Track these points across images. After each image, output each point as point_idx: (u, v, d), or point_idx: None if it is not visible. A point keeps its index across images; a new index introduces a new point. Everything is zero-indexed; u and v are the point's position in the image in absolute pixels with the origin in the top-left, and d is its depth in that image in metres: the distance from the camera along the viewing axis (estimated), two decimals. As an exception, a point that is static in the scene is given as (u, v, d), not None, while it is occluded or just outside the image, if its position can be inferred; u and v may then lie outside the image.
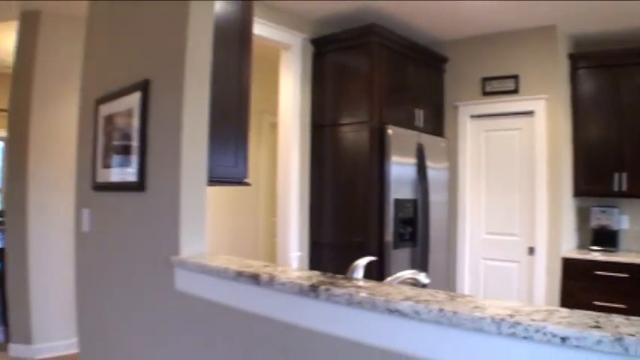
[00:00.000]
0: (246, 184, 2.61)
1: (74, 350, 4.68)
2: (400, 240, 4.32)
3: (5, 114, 8.09)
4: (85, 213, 2.98)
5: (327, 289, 1.55)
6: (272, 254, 5.44)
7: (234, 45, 2.60)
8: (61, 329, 4.72)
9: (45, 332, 4.67)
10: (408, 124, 4.64)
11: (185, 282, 2.15)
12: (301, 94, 4.62)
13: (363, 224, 4.22)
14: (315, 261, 4.48)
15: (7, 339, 4.72)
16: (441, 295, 1.45)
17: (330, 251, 4.46)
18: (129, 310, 2.59)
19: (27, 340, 4.60)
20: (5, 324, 5.49)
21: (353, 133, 4.37)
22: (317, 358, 1.61)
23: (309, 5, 4.45)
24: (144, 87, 2.43)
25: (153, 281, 2.36)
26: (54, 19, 4.78)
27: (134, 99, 2.50)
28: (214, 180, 2.39)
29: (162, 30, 2.45)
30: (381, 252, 4.16)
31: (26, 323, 4.61)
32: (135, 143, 2.47)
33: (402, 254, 4.37)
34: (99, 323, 2.92)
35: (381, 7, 4.46)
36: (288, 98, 4.57)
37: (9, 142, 4.73)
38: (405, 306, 1.35)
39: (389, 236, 4.18)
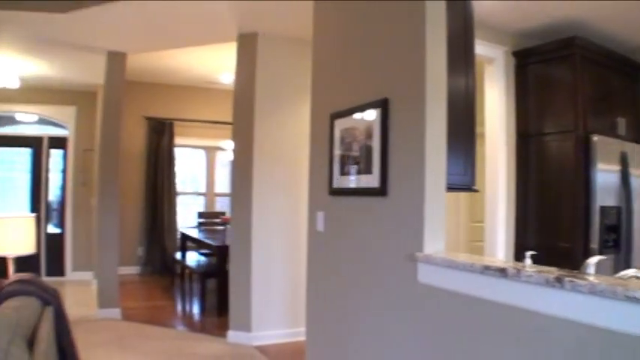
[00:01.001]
0: (475, 190, 2.93)
1: (288, 339, 5.28)
2: (604, 247, 4.42)
3: (224, 126, 9.22)
4: (320, 215, 3.47)
5: (571, 281, 1.82)
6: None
7: (459, 58, 2.92)
8: (276, 320, 5.35)
9: (262, 322, 5.31)
10: (611, 132, 4.72)
11: (429, 275, 2.51)
12: (506, 106, 4.89)
13: (569, 231, 4.39)
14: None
15: (226, 327, 5.41)
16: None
17: (534, 256, 4.66)
18: (365, 302, 3.02)
19: (246, 328, 5.26)
20: (219, 314, 6.25)
21: (557, 142, 4.57)
22: (559, 342, 1.88)
23: (510, 19, 4.68)
24: (383, 104, 2.84)
25: (393, 275, 2.75)
26: (270, 40, 5.42)
27: (373, 115, 2.91)
28: (448, 187, 2.72)
29: (397, 52, 2.84)
30: (586, 258, 4.27)
31: (246, 313, 5.28)
32: (375, 154, 2.88)
33: (606, 260, 4.46)
34: (330, 314, 3.39)
35: (580, 17, 4.58)
36: (493, 109, 4.87)
37: (236, 151, 5.46)
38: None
39: (594, 243, 4.31)
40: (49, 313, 3.01)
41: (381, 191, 2.83)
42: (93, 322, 6.00)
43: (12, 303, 2.80)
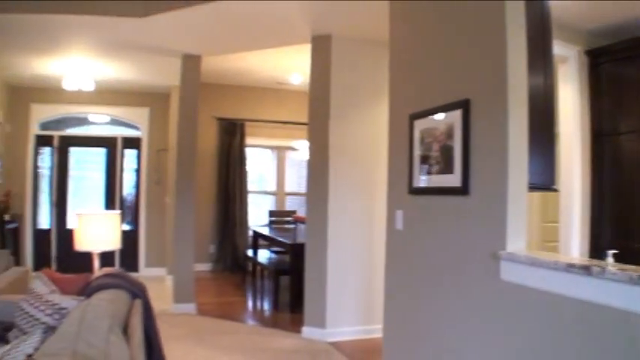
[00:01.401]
0: (554, 190, 2.99)
1: (362, 336, 5.41)
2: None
3: (294, 126, 9.46)
4: (399, 214, 3.58)
5: (657, 279, 1.89)
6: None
7: (538, 57, 2.97)
8: (350, 316, 5.50)
9: (336, 318, 5.46)
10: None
11: (512, 273, 2.59)
12: (580, 105, 4.90)
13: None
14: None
15: (299, 323, 5.57)
16: None
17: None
18: (444, 299, 3.12)
19: (321, 324, 5.41)
20: (292, 311, 6.42)
21: (633, 142, 4.54)
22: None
23: (583, 18, 4.68)
24: (464, 105, 2.93)
25: (475, 273, 2.84)
26: (343, 42, 5.56)
27: (454, 115, 3.01)
28: (529, 186, 2.79)
29: (477, 52, 2.92)
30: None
31: (321, 310, 5.44)
32: (456, 154, 2.98)
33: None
34: (408, 311, 3.51)
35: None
36: (567, 109, 4.90)
37: (311, 151, 5.64)
38: None
39: (674, 243, 4.28)
40: (138, 305, 3.23)
41: (463, 190, 2.92)
42: (170, 316, 6.27)
43: (104, 295, 3.03)
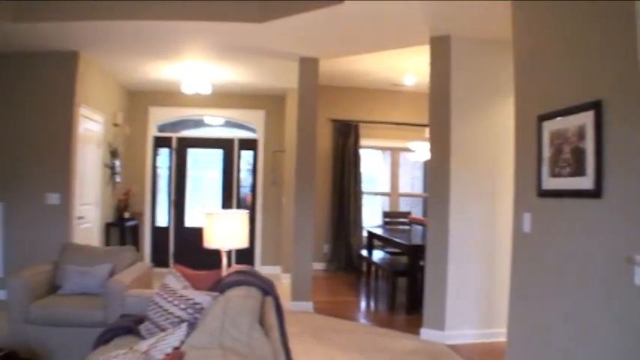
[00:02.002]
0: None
1: (482, 340, 5.41)
2: None
3: (408, 127, 9.55)
4: (527, 216, 3.59)
5: None
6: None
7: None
8: (469, 319, 5.51)
9: (456, 321, 5.48)
10: None
11: (649, 278, 2.56)
12: None
13: None
14: None
15: (416, 325, 5.63)
16: None
17: None
18: (573, 303, 3.10)
19: (440, 326, 5.46)
20: (409, 312, 6.48)
21: None
22: None
23: None
24: (596, 106, 2.91)
25: (606, 276, 2.82)
26: (463, 42, 5.58)
27: (586, 116, 2.99)
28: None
29: (608, 52, 2.88)
30: None
31: (441, 312, 5.49)
32: (589, 155, 2.96)
33: None
34: (534, 315, 3.50)
35: None
36: None
37: (432, 153, 5.74)
38: None
39: None
40: (270, 302, 3.39)
41: (596, 193, 2.90)
42: (288, 314, 6.42)
43: (237, 292, 3.20)
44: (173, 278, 3.85)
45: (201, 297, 3.41)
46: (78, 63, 6.93)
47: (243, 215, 4.69)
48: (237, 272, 3.76)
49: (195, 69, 7.80)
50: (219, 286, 3.49)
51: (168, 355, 2.50)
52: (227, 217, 4.61)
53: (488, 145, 5.66)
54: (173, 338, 2.76)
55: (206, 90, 8.13)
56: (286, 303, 6.82)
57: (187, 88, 8.00)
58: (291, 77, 7.61)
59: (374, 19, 5.43)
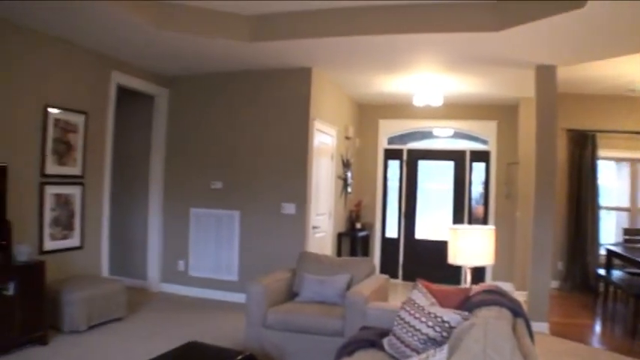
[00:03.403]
0: None
1: None
2: None
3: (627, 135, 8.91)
4: None
5: None
6: None
7: None
8: None
9: None
10: None
11: None
12: None
13: None
14: None
15: None
16: None
17: None
18: None
19: None
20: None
21: None
22: None
23: None
24: None
25: None
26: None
27: None
28: None
29: None
30: None
31: None
32: None
33: None
34: None
35: None
36: None
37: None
38: None
39: None
40: (521, 325, 3.26)
41: None
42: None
43: (488, 312, 3.16)
44: (419, 294, 3.91)
45: (450, 315, 3.38)
46: (311, 79, 7.48)
47: (489, 231, 4.68)
48: (486, 291, 3.72)
49: (426, 81, 7.93)
50: (467, 305, 3.49)
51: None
52: (473, 233, 4.63)
53: None
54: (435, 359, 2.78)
55: (437, 102, 8.24)
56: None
57: (419, 101, 8.16)
58: (524, 86, 7.43)
59: (620, 22, 5.09)
